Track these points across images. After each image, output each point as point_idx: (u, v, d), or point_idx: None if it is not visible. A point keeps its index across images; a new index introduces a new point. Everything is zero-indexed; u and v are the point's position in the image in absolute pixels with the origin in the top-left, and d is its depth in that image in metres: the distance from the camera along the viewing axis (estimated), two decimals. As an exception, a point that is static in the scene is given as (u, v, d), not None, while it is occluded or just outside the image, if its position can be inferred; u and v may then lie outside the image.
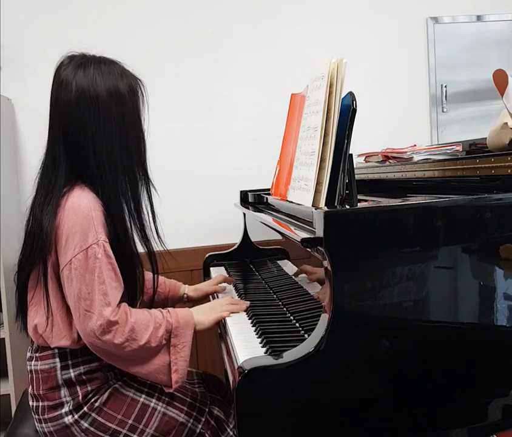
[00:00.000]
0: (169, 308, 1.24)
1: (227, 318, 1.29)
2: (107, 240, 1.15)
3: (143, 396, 1.24)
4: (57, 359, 1.20)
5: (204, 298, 1.61)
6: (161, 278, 1.57)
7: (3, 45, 2.19)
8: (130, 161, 1.24)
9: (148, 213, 1.30)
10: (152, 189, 1.31)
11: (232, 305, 1.34)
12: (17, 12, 2.22)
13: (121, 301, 1.16)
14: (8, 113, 2.16)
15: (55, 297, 1.18)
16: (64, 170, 1.19)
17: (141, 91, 1.28)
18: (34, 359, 1.23)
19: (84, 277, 1.11)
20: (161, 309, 1.23)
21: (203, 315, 1.27)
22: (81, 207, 1.14)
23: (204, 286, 1.63)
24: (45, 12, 2.24)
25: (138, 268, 1.25)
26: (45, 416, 1.20)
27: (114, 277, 1.15)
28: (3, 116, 2.07)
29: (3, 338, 1.99)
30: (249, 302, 1.36)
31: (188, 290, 1.60)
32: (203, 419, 1.29)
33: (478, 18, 2.52)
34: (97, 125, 1.18)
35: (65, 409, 1.19)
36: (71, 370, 1.20)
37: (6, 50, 2.19)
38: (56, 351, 1.20)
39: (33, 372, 1.23)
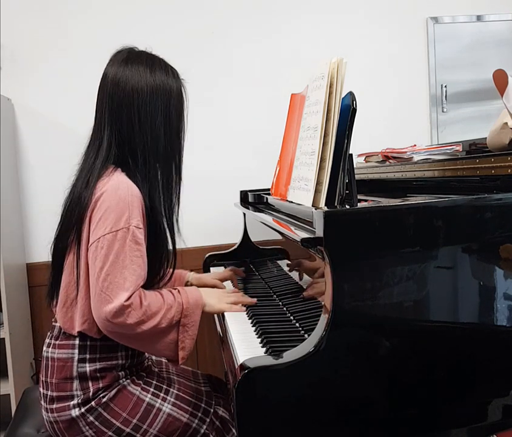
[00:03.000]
0: (179, 287, 1.25)
1: (227, 317, 1.30)
2: (140, 227, 1.16)
3: (148, 395, 1.24)
4: (76, 350, 1.21)
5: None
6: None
7: (3, 45, 2.19)
8: (170, 153, 1.27)
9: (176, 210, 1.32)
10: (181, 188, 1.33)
11: (238, 300, 1.35)
12: (17, 12, 2.22)
13: None
14: (8, 113, 2.16)
15: (85, 277, 1.19)
16: (106, 154, 1.22)
17: (184, 90, 1.32)
18: (52, 346, 1.24)
19: (107, 257, 1.12)
20: (171, 289, 1.24)
21: (212, 298, 1.30)
22: (120, 190, 1.15)
23: (206, 278, 1.63)
24: (45, 12, 2.24)
25: (165, 263, 1.28)
26: (53, 405, 1.21)
27: (141, 264, 1.16)
28: (3, 116, 2.07)
29: (3, 338, 1.99)
30: (255, 299, 1.37)
31: (192, 278, 1.61)
32: (208, 420, 1.29)
33: (478, 18, 2.52)
34: (144, 113, 1.22)
35: (74, 402, 1.20)
36: (87, 364, 1.21)
37: (6, 50, 2.19)
38: (77, 342, 1.21)
39: (49, 359, 1.23)
